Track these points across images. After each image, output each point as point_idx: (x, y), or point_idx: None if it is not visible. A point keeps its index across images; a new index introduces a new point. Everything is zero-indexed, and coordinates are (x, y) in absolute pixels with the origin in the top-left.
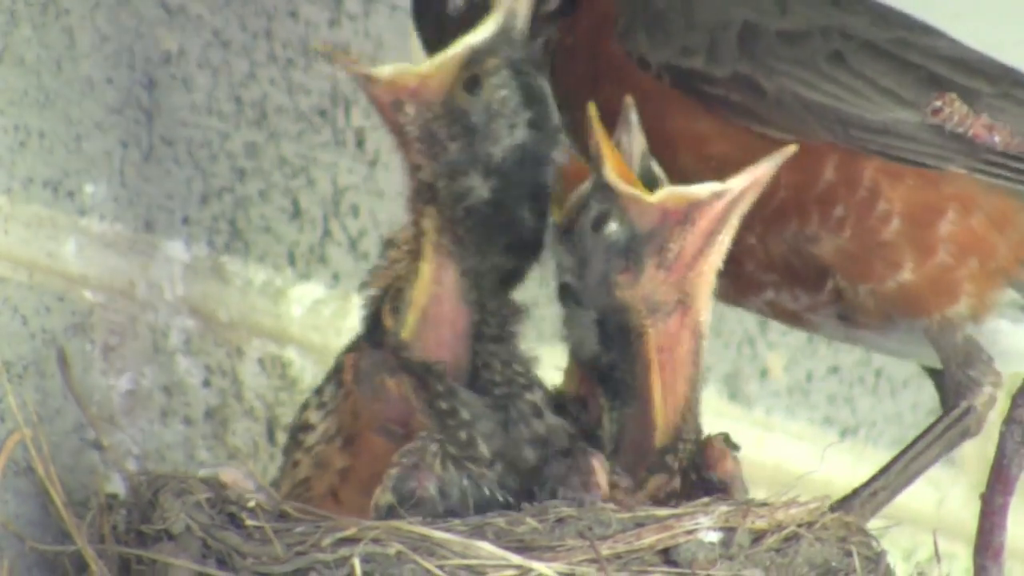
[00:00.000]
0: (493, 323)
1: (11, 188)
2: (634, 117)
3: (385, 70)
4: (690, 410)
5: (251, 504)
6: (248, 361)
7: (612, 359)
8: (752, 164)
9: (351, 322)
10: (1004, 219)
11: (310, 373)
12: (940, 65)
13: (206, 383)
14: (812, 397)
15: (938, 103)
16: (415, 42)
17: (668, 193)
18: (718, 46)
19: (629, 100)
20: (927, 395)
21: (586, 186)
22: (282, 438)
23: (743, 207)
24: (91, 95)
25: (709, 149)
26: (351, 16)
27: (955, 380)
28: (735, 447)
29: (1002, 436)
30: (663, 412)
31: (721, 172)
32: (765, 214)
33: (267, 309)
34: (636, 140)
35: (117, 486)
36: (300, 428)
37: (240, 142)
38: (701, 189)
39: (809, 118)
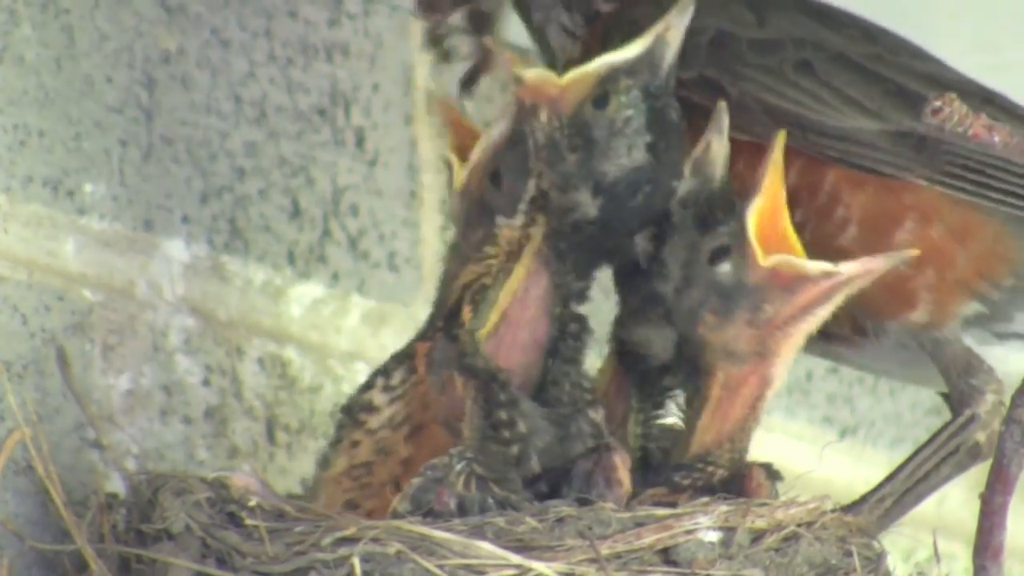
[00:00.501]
0: (569, 341)
1: (10, 187)
2: (725, 122)
3: (530, 73)
4: (732, 444)
5: (251, 503)
6: (248, 360)
7: (676, 380)
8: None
9: (351, 321)
10: (966, 231)
11: (309, 372)
12: (912, 80)
13: (206, 382)
14: (811, 396)
15: (937, 103)
16: (415, 42)
17: (781, 260)
18: (686, 50)
19: (723, 105)
20: (926, 395)
21: (724, 198)
22: (282, 437)
23: (850, 290)
24: (90, 94)
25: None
26: (351, 15)
27: (958, 390)
28: (777, 477)
29: (1001, 436)
30: (700, 442)
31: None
32: None
33: (266, 308)
34: (723, 146)
35: (117, 485)
36: (363, 407)
37: (239, 141)
38: (814, 267)
39: (768, 121)
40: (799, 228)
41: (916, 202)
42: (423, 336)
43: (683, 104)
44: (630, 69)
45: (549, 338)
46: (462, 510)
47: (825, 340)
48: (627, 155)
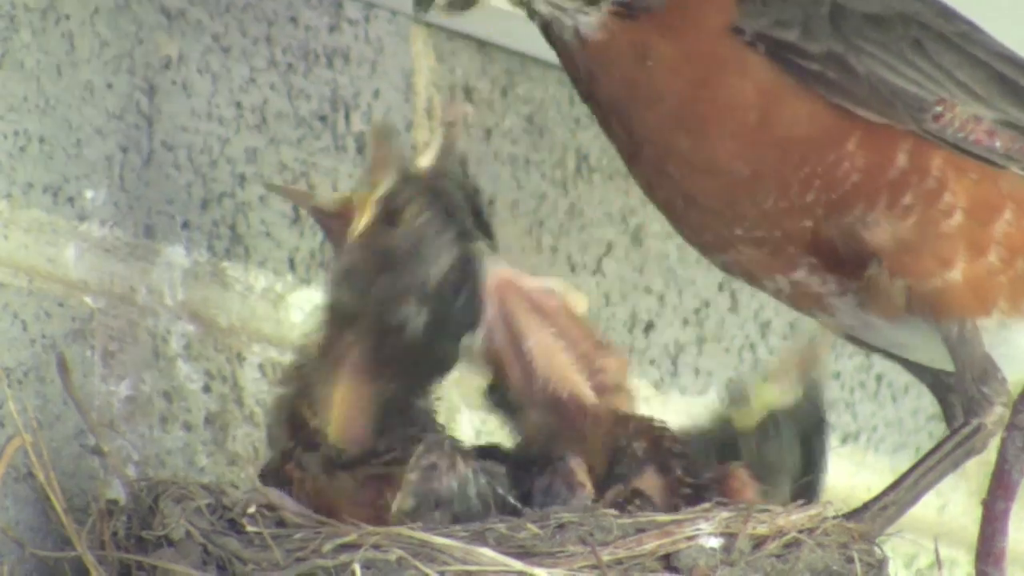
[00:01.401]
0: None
1: (11, 193)
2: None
3: (327, 201)
4: (615, 435)
5: (251, 510)
6: (248, 367)
7: None
8: (831, 148)
9: None
10: None
11: None
12: (1003, 64)
13: (206, 389)
14: None
15: (939, 108)
16: (416, 48)
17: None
18: (811, 21)
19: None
20: (928, 401)
21: None
22: None
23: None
24: (91, 100)
25: (797, 131)
26: (351, 21)
27: (968, 395)
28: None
29: (1003, 442)
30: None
31: (803, 160)
32: (833, 197)
33: (267, 314)
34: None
35: (117, 492)
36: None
37: (240, 147)
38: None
39: (897, 103)
40: (905, 212)
41: (1011, 191)
42: (284, 461)
43: (818, 80)
44: (410, 180)
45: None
46: (462, 493)
47: (868, 312)
48: (437, 258)
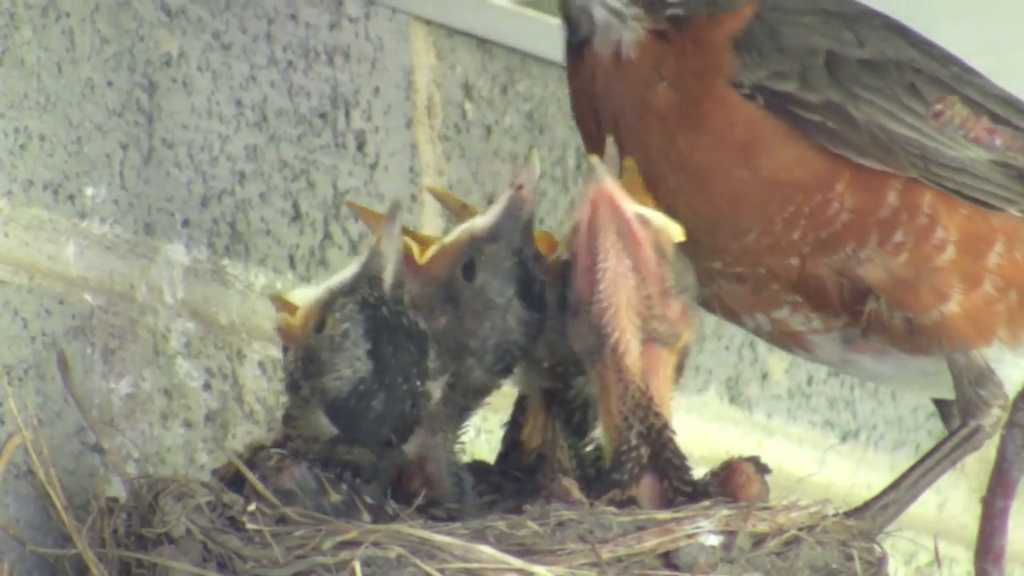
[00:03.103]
0: None
1: (11, 191)
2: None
3: (279, 319)
4: (630, 421)
5: (251, 507)
6: (249, 364)
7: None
8: (819, 190)
9: None
10: None
11: None
12: (995, 104)
13: (206, 386)
14: (813, 400)
15: (939, 106)
16: (416, 45)
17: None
18: (809, 72)
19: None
20: (928, 399)
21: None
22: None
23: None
24: (91, 98)
25: (787, 175)
26: (351, 19)
27: (966, 399)
28: (765, 470)
29: (1003, 440)
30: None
31: (788, 200)
32: (821, 236)
33: (268, 312)
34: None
35: (117, 489)
36: None
37: (240, 145)
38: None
39: (897, 150)
40: (897, 248)
41: (1002, 225)
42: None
43: (818, 130)
44: (348, 288)
45: None
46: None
47: (850, 349)
48: (349, 367)
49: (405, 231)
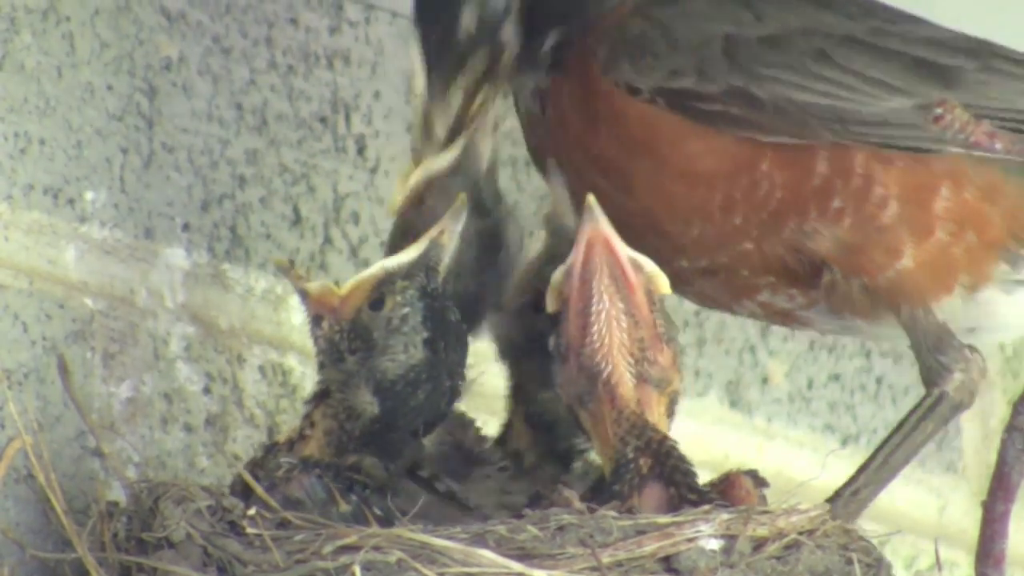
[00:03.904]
0: None
1: (11, 195)
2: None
3: (313, 287)
4: (626, 439)
5: (251, 512)
6: (249, 368)
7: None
8: (742, 174)
9: None
10: (995, 191)
11: (310, 380)
12: (920, 48)
13: (207, 390)
14: (813, 404)
15: (939, 110)
16: (415, 50)
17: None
18: (705, 63)
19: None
20: None
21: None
22: None
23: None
24: (91, 102)
25: (700, 166)
26: (352, 23)
27: (927, 366)
28: (763, 484)
29: (1003, 444)
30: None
31: (712, 189)
32: (762, 217)
33: (268, 316)
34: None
35: (118, 493)
36: None
37: (241, 149)
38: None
39: (810, 120)
40: (838, 215)
41: (946, 169)
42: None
43: (722, 118)
44: (406, 273)
45: None
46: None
47: (842, 317)
48: (404, 352)
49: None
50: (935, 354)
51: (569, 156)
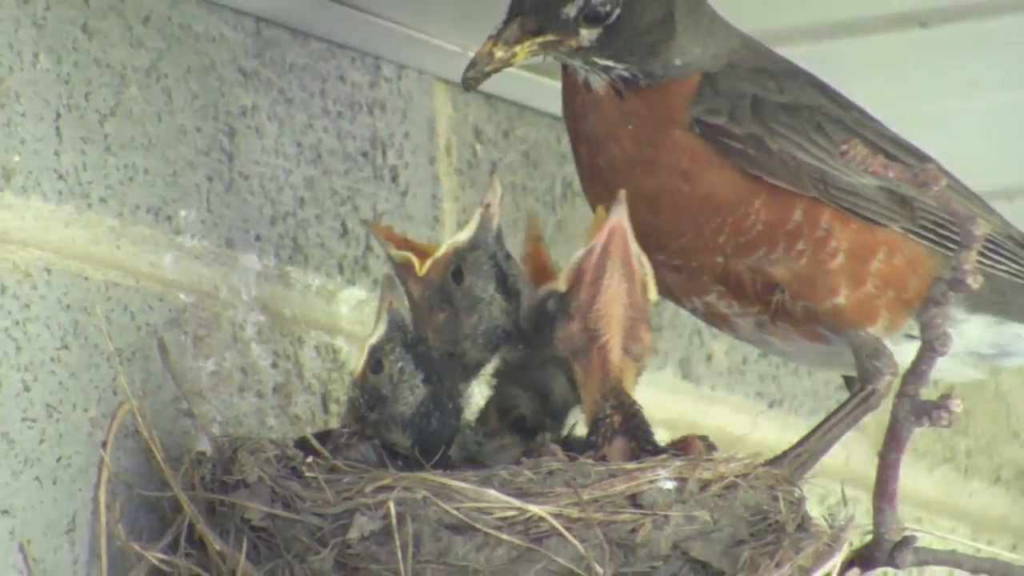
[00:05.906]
0: None
1: (122, 213)
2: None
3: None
4: (606, 398)
5: (309, 459)
6: (307, 348)
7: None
8: (740, 206)
9: None
10: (917, 262)
11: (355, 357)
12: (887, 143)
13: (274, 365)
14: (747, 376)
15: (844, 147)
16: (437, 99)
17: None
18: (737, 111)
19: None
20: (836, 376)
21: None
22: (334, 409)
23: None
24: (184, 140)
25: (718, 191)
26: (387, 79)
27: (864, 368)
28: (712, 447)
29: (895, 406)
30: (590, 410)
31: (716, 212)
32: (740, 242)
33: (321, 308)
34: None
35: (205, 445)
36: None
37: (300, 177)
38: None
39: (803, 175)
40: (799, 255)
41: (885, 238)
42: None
43: (741, 156)
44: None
45: None
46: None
47: (763, 332)
48: (411, 394)
49: (411, 245)
50: (872, 360)
51: (606, 142)
